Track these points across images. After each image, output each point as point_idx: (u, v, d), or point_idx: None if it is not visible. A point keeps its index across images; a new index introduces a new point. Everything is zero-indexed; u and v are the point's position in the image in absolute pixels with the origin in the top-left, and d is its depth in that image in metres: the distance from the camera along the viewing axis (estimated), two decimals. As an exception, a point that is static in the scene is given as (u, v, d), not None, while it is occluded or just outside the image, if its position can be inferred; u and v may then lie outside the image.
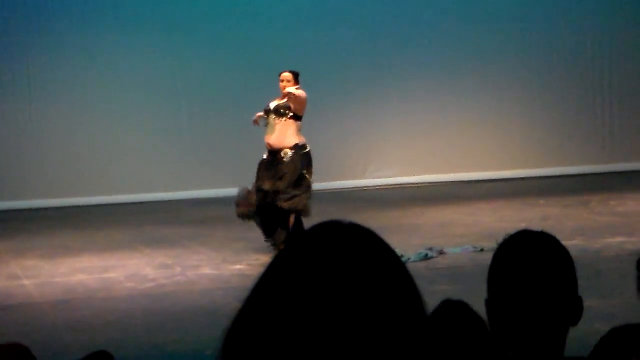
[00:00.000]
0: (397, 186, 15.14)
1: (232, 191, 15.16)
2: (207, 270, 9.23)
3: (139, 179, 14.84)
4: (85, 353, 3.46)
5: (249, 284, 1.17)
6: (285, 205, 9.54)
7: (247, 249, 10.15)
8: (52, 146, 14.86)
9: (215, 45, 15.15)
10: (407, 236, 10.30)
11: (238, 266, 9.29)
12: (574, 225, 10.63)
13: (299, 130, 9.83)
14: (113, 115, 15.00)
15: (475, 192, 14.19)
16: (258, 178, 9.92)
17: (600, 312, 6.29)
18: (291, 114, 9.79)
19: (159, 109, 15.09)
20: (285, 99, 9.85)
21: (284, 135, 9.73)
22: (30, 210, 14.23)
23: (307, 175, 9.71)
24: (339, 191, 15.03)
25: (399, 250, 9.51)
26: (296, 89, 9.89)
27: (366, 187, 15.27)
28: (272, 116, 9.82)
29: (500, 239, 2.14)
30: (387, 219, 11.70)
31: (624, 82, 16.02)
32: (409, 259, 9.06)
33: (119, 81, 15.02)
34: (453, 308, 2.61)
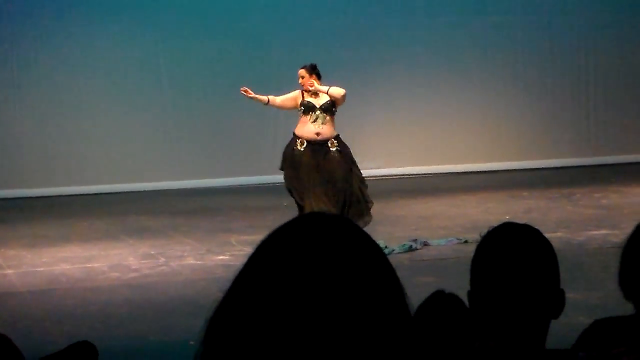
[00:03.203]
0: (381, 178, 15.14)
1: (217, 182, 15.20)
2: (191, 261, 9.21)
3: (123, 169, 14.80)
4: (68, 343, 3.44)
5: (233, 274, 1.16)
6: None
7: (231, 239, 10.14)
8: (35, 135, 14.80)
9: (202, 35, 15.11)
10: (392, 228, 10.30)
11: (222, 257, 9.28)
12: (558, 217, 10.66)
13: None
14: (97, 104, 14.94)
15: (459, 184, 14.21)
16: (304, 180, 9.88)
17: (583, 304, 6.31)
18: (335, 109, 10.04)
19: (144, 98, 15.04)
20: (327, 97, 9.97)
21: (330, 128, 9.95)
22: (13, 199, 14.17)
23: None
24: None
25: (383, 242, 9.62)
26: (319, 83, 10.04)
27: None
28: (321, 114, 9.96)
29: (484, 232, 2.14)
30: (372, 211, 11.70)
31: (609, 76, 16.06)
32: (393, 250, 9.07)
33: (103, 70, 14.96)
34: (444, 300, 2.62)
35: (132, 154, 14.90)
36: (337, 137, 9.95)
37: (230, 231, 10.60)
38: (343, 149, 9.92)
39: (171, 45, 15.06)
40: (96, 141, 14.88)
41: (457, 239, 9.46)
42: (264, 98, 10.20)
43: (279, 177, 15.39)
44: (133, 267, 9.03)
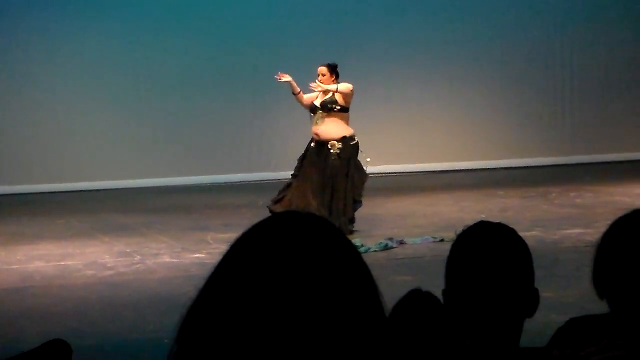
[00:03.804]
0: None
1: (193, 179, 15.16)
2: (166, 259, 9.19)
3: (99, 167, 14.74)
4: (42, 341, 3.43)
5: (208, 272, 1.17)
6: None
7: (206, 237, 10.11)
8: (10, 133, 14.71)
9: (180, 34, 15.06)
10: (368, 226, 10.31)
11: (198, 255, 9.26)
12: (533, 216, 10.71)
13: (347, 122, 9.97)
14: (74, 102, 14.87)
15: (435, 183, 14.25)
16: (301, 175, 9.97)
17: (557, 302, 6.35)
18: (338, 107, 9.90)
19: (120, 96, 14.98)
20: (330, 94, 9.94)
21: (333, 127, 9.84)
22: (-13, 196, 14.08)
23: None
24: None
25: (359, 240, 9.62)
26: (333, 81, 9.96)
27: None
28: (320, 112, 9.92)
29: (459, 230, 2.15)
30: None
31: (584, 75, 16.14)
32: (369, 249, 9.08)
33: (81, 67, 14.89)
34: (420, 298, 2.62)
35: (108, 152, 14.83)
36: (342, 139, 9.78)
37: (206, 229, 10.58)
38: (344, 153, 9.75)
39: (149, 43, 15.00)
40: (72, 139, 14.80)
41: (433, 237, 9.48)
42: (297, 88, 10.11)
43: (255, 175, 15.42)
44: (108, 265, 9.00)
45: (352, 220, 9.90)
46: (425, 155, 15.64)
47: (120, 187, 14.52)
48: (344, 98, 9.94)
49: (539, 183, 13.43)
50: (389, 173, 15.41)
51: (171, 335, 1.17)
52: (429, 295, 2.52)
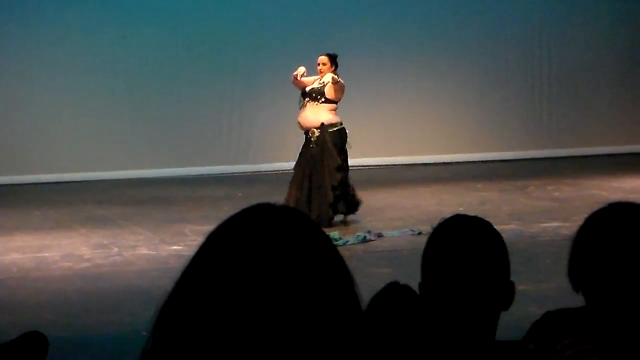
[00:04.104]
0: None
1: (171, 171, 15.11)
2: (144, 251, 9.16)
3: (76, 158, 14.67)
4: (18, 333, 3.41)
5: (183, 265, 1.17)
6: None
7: (184, 229, 10.09)
8: (-13, 123, 14.61)
9: (153, 25, 15.00)
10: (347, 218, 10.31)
11: (175, 247, 9.24)
12: (511, 209, 10.75)
13: (333, 111, 10.00)
14: (49, 92, 14.79)
15: (414, 175, 14.27)
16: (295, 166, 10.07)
17: (535, 296, 6.37)
18: (323, 100, 9.93)
19: (95, 87, 14.91)
20: (322, 84, 9.96)
21: (313, 115, 9.90)
22: (-36, 188, 13.99)
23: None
24: (278, 172, 15.01)
25: (337, 233, 9.61)
26: (332, 71, 9.97)
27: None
28: (307, 99, 9.96)
29: (435, 224, 2.15)
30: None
31: (562, 69, 16.21)
32: (347, 241, 9.09)
33: (62, 59, 14.81)
34: (397, 291, 2.63)
35: (86, 144, 14.77)
36: (320, 126, 9.84)
37: (184, 221, 10.55)
38: (320, 140, 9.81)
39: (129, 35, 14.93)
40: (50, 130, 14.73)
41: (411, 230, 9.50)
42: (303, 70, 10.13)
43: (234, 168, 15.40)
44: (85, 256, 8.96)
45: (335, 210, 9.86)
46: (405, 148, 15.66)
47: (99, 178, 14.46)
48: (333, 92, 9.93)
49: (518, 176, 13.47)
50: (368, 166, 15.42)
51: (148, 327, 1.17)
52: (406, 288, 2.52)
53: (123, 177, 14.52)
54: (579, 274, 2.11)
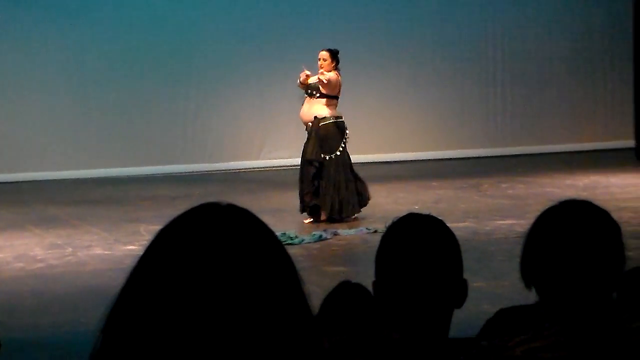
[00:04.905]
0: (292, 167, 15.15)
1: (125, 171, 15.00)
2: (98, 251, 9.10)
3: (29, 158, 14.53)
4: (-31, 336, 3.37)
5: (131, 265, 1.18)
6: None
7: (139, 229, 10.03)
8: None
9: (112, 24, 14.89)
10: (302, 217, 10.32)
11: (131, 247, 9.18)
12: (466, 207, 10.82)
13: (332, 106, 10.11)
14: (5, 92, 14.63)
15: (370, 174, 14.27)
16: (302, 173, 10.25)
17: (489, 293, 6.42)
18: (318, 94, 10.05)
19: (50, 86, 14.77)
20: (316, 79, 10.08)
21: (310, 109, 10.07)
22: None
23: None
24: (234, 172, 14.98)
25: (293, 232, 9.60)
26: (333, 67, 10.10)
27: (261, 167, 15.26)
28: (305, 94, 10.16)
29: (389, 222, 2.16)
30: (282, 201, 11.72)
31: (515, 68, 16.33)
32: (303, 240, 9.09)
33: (17, 57, 14.64)
34: (350, 290, 2.63)
35: (38, 142, 14.63)
36: (314, 119, 9.98)
37: (139, 220, 10.49)
38: (314, 132, 9.97)
39: (83, 33, 14.81)
40: (3, 129, 14.56)
41: (367, 228, 9.52)
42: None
43: (189, 167, 15.33)
44: (39, 257, 8.88)
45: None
46: (359, 147, 15.68)
47: (52, 178, 14.32)
48: (326, 87, 10.02)
49: (472, 174, 13.56)
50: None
51: (98, 327, 1.18)
52: (358, 286, 2.53)
53: (77, 177, 14.40)
54: (531, 271, 2.13)
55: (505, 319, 2.56)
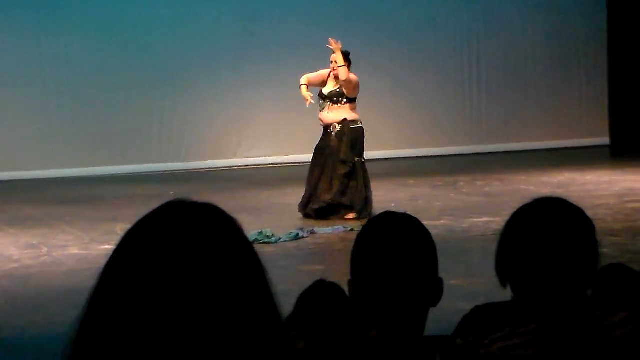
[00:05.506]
0: (268, 166, 15.16)
1: (100, 170, 14.94)
2: (74, 251, 9.05)
3: (3, 157, 14.44)
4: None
5: (102, 265, 1.18)
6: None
7: (115, 228, 9.98)
8: None
9: (84, 22, 14.83)
10: (279, 216, 10.32)
11: (107, 246, 9.13)
12: (442, 205, 10.84)
13: (354, 110, 10.27)
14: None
15: (346, 172, 14.30)
16: (312, 164, 10.34)
17: (465, 290, 6.43)
18: (345, 100, 10.18)
19: (25, 85, 14.69)
20: (337, 86, 10.16)
21: (336, 113, 10.17)
22: None
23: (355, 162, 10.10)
24: (211, 171, 14.96)
25: (270, 230, 9.58)
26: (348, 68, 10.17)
27: (237, 166, 15.24)
28: (328, 102, 10.19)
29: (365, 221, 2.16)
30: (259, 199, 11.71)
31: (491, 66, 16.39)
32: (280, 238, 9.08)
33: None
34: (324, 289, 2.63)
35: (12, 142, 14.54)
36: (343, 121, 10.10)
37: (115, 220, 10.44)
38: (340, 133, 10.09)
39: (58, 31, 14.74)
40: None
41: (344, 227, 9.53)
42: (305, 87, 10.30)
43: (165, 166, 15.28)
44: (14, 257, 8.83)
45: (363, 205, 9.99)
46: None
47: (27, 178, 14.24)
48: (349, 89, 10.14)
49: (448, 172, 13.60)
50: (300, 163, 15.44)
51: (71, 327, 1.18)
52: (333, 285, 2.53)
53: (53, 176, 14.33)
54: (506, 269, 2.14)
55: (481, 316, 2.57)
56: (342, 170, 10.11)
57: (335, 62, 10.21)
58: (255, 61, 15.37)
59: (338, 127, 10.14)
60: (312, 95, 10.28)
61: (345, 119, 10.13)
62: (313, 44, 15.59)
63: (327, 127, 10.25)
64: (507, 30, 16.36)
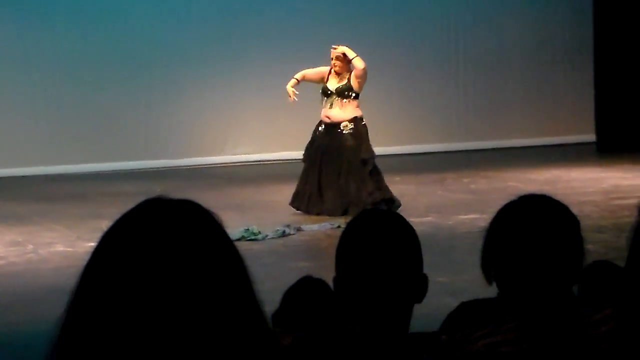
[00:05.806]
0: (255, 163, 15.14)
1: (86, 167, 14.88)
2: (60, 248, 9.02)
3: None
4: None
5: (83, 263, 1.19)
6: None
7: (102, 225, 9.90)
8: None
9: (70, 19, 14.78)
10: (265, 213, 10.31)
11: (92, 243, 8.95)
12: (429, 202, 10.86)
13: (358, 105, 10.23)
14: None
15: (333, 169, 14.30)
16: (310, 161, 10.19)
17: (451, 287, 6.44)
18: (353, 94, 10.10)
19: (9, 81, 14.62)
20: (345, 80, 10.11)
21: (344, 110, 10.06)
22: None
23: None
24: (197, 167, 14.94)
25: (256, 227, 9.58)
26: (347, 65, 10.18)
27: (224, 163, 15.22)
28: (335, 98, 10.06)
29: (349, 218, 2.16)
30: (245, 196, 11.70)
31: (479, 63, 16.39)
32: (266, 236, 9.08)
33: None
34: (310, 285, 2.63)
35: (-1, 139, 14.48)
36: (353, 119, 10.01)
37: (101, 217, 10.38)
38: (356, 132, 10.01)
39: (40, 28, 14.68)
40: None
41: (330, 224, 9.53)
42: (294, 81, 10.26)
43: (151, 163, 15.24)
44: (-1, 254, 8.80)
45: (389, 201, 9.87)
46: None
47: (13, 175, 14.18)
48: (357, 83, 10.09)
49: (435, 169, 13.61)
50: (287, 160, 15.43)
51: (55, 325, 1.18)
52: (319, 282, 2.53)
53: (38, 173, 14.27)
54: (491, 265, 2.14)
55: (467, 313, 2.58)
56: (368, 168, 10.07)
57: (337, 58, 10.15)
58: (241, 58, 15.34)
59: (350, 126, 10.04)
60: (296, 92, 10.21)
61: (355, 117, 10.07)
62: (300, 41, 15.59)
63: (333, 125, 10.07)
64: (493, 28, 16.38)
